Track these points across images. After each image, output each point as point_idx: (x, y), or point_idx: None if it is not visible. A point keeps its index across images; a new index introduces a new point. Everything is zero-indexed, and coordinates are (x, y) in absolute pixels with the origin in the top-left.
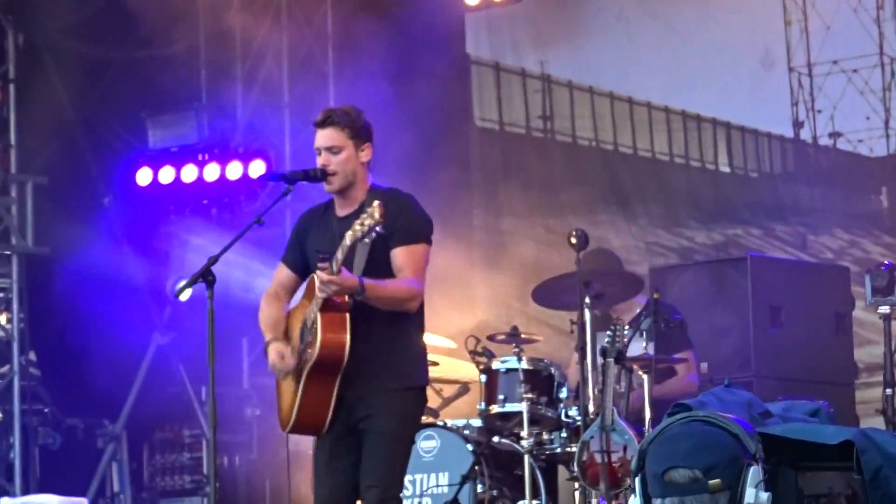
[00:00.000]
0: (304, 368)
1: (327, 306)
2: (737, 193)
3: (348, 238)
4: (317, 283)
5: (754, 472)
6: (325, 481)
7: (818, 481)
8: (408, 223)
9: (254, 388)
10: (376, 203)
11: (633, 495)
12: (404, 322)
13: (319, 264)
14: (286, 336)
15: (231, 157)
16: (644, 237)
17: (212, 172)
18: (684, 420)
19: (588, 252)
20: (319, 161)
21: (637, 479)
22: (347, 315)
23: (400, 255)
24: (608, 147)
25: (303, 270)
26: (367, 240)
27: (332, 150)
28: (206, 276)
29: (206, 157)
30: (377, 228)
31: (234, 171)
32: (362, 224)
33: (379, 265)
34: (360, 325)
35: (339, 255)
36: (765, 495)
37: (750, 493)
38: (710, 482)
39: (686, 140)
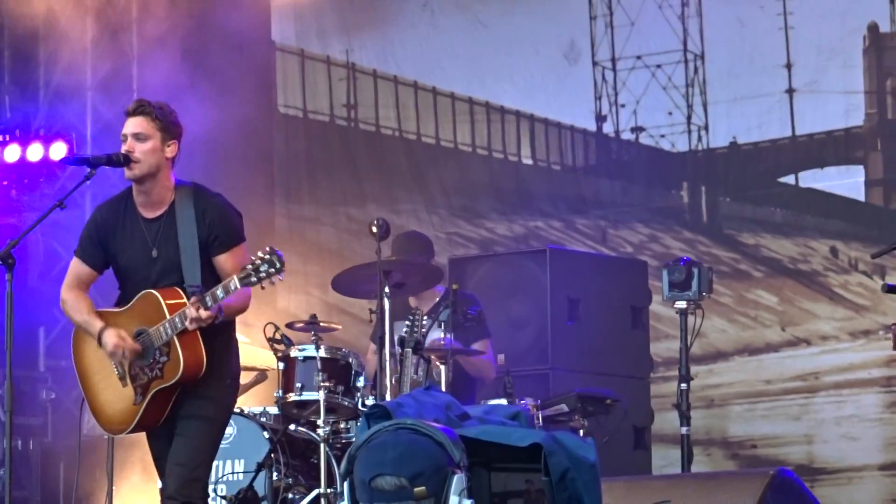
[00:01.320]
0: (151, 385)
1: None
2: (538, 186)
3: (238, 282)
4: (188, 315)
5: (458, 480)
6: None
7: (508, 481)
8: (226, 228)
9: (49, 371)
10: (272, 249)
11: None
12: (229, 323)
13: (176, 301)
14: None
15: (32, 138)
16: (445, 227)
17: (12, 153)
18: (392, 428)
19: (399, 235)
20: (124, 147)
21: (346, 484)
22: (198, 331)
23: (227, 262)
24: (411, 137)
25: (100, 266)
26: (263, 286)
27: (139, 136)
28: (5, 259)
29: (7, 137)
30: (273, 279)
31: (34, 152)
32: (258, 272)
33: (207, 273)
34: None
35: (221, 293)
36: (468, 502)
37: (454, 500)
38: (416, 490)
39: (489, 131)
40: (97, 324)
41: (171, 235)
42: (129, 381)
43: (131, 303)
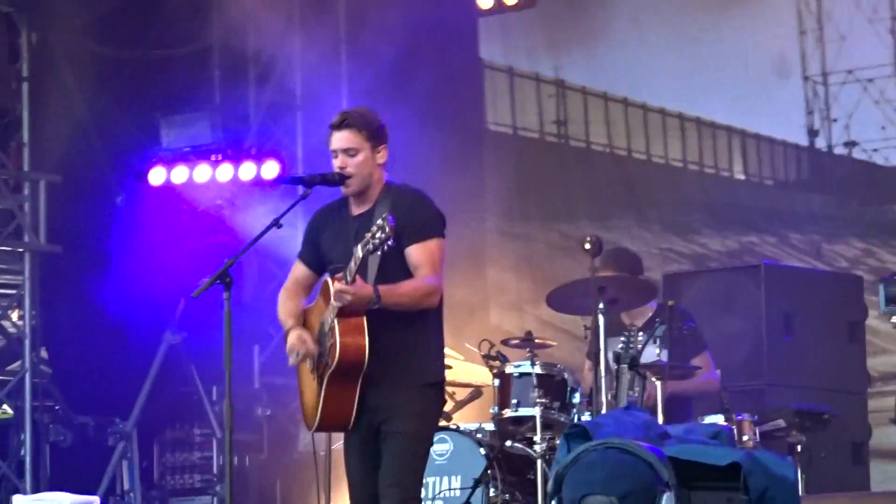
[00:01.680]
0: (324, 373)
1: (343, 312)
2: (751, 201)
3: (360, 250)
4: (331, 292)
5: (668, 499)
6: (357, 482)
7: (709, 500)
8: (419, 220)
9: (264, 388)
10: (386, 216)
11: None
12: (421, 319)
13: (333, 275)
14: (307, 329)
15: (244, 157)
16: (657, 243)
17: (225, 173)
18: (600, 447)
19: (608, 251)
20: (336, 163)
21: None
22: (364, 319)
23: (414, 253)
24: (622, 153)
25: (318, 267)
26: (378, 253)
27: (349, 152)
28: (223, 278)
29: (219, 157)
30: (389, 242)
31: (246, 171)
32: (374, 237)
33: (394, 265)
34: (377, 325)
35: (353, 265)
36: None
37: None
38: None
39: (700, 147)
40: (288, 323)
41: (368, 230)
42: (316, 372)
43: (318, 295)
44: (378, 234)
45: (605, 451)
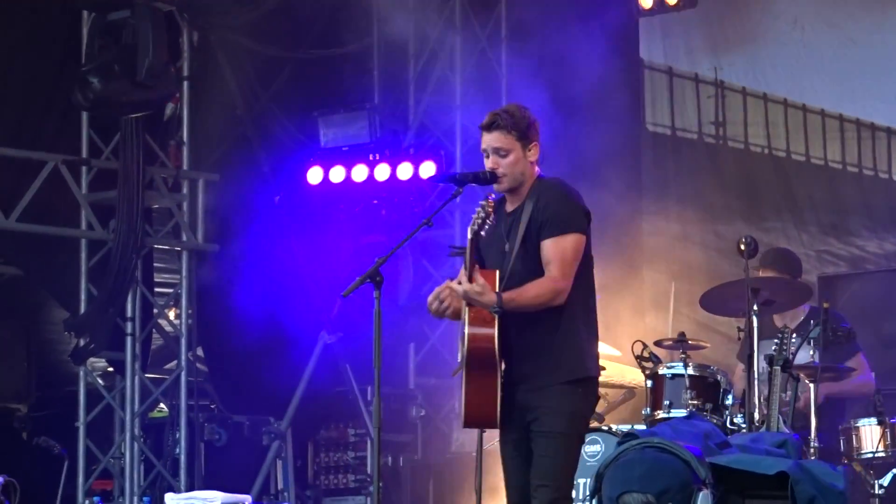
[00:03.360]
0: (463, 362)
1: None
2: None
3: (469, 232)
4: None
5: (704, 497)
6: (513, 482)
7: None
8: (557, 214)
9: (419, 389)
10: (489, 195)
11: None
12: (568, 315)
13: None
14: None
15: (402, 157)
16: (814, 245)
17: (382, 172)
18: (639, 446)
19: (770, 251)
20: (488, 164)
21: (594, 502)
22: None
23: (548, 248)
24: (781, 154)
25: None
26: (482, 233)
27: (500, 152)
28: (374, 277)
29: (377, 157)
30: (489, 221)
31: (404, 171)
32: (477, 217)
33: (532, 257)
34: (522, 322)
35: (468, 251)
36: None
37: None
38: None
39: (860, 148)
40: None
41: (517, 226)
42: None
43: None
44: (480, 213)
45: (643, 450)
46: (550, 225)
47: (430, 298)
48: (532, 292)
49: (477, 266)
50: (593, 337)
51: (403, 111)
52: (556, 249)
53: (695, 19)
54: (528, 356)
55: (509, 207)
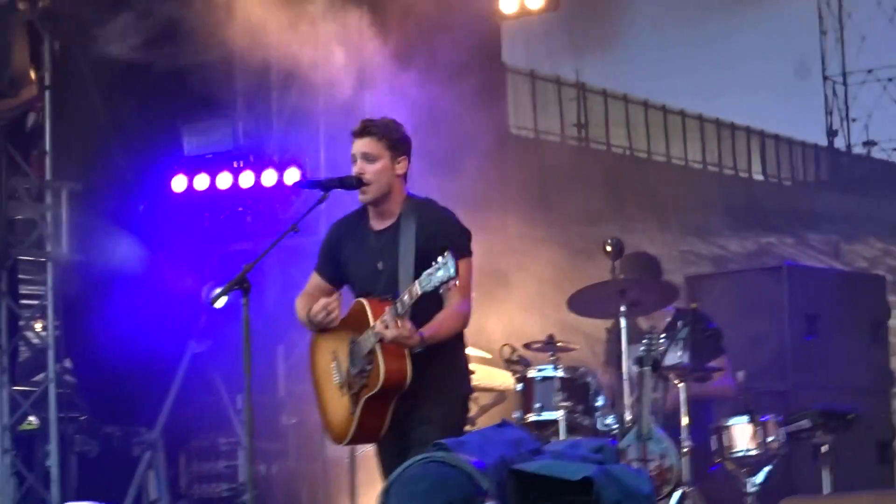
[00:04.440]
0: (360, 394)
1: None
2: (770, 202)
3: (418, 287)
4: (369, 316)
5: None
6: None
7: None
8: (449, 239)
9: (290, 396)
10: (449, 254)
11: None
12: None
13: (382, 309)
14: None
15: (266, 164)
16: (677, 245)
17: (247, 179)
18: (422, 461)
19: (628, 256)
20: (355, 169)
21: None
22: None
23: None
24: (642, 155)
25: (337, 281)
26: (440, 291)
27: (368, 157)
28: (241, 284)
29: (241, 164)
30: (449, 284)
31: (269, 178)
32: (434, 275)
33: (411, 279)
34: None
35: (408, 300)
36: None
37: None
38: None
39: (720, 148)
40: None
41: (395, 247)
42: (346, 389)
43: (347, 313)
44: (440, 274)
45: (426, 464)
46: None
47: (316, 309)
48: (447, 325)
49: (373, 301)
50: (466, 356)
51: (267, 118)
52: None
53: (556, 23)
54: (415, 374)
55: (377, 225)
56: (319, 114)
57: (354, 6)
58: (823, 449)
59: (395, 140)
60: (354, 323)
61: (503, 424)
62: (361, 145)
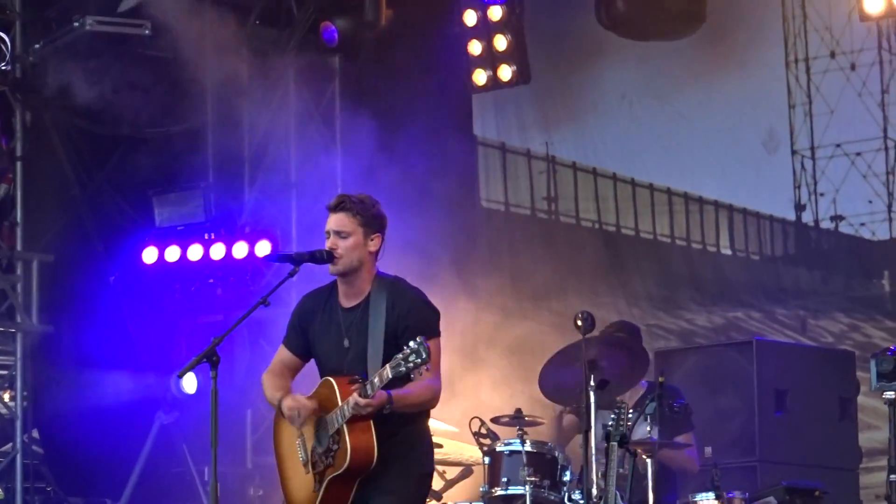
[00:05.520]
0: (326, 473)
1: (353, 417)
2: (737, 276)
3: (389, 371)
4: (349, 403)
5: None
6: None
7: None
8: (422, 321)
9: (257, 468)
10: (422, 341)
11: None
12: (417, 413)
13: (351, 388)
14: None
15: (237, 236)
16: (645, 319)
17: (218, 251)
18: None
19: (614, 322)
20: (328, 244)
21: None
22: (371, 422)
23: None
24: (611, 228)
25: (305, 354)
26: (412, 376)
27: (341, 234)
28: (209, 357)
29: (213, 236)
30: (421, 370)
31: (240, 250)
32: (407, 360)
33: (380, 358)
34: (378, 419)
35: (378, 383)
36: None
37: None
38: None
39: (688, 222)
40: (278, 394)
41: (364, 326)
42: (310, 467)
43: (315, 390)
44: (412, 358)
45: None
46: (413, 332)
47: (290, 405)
48: (416, 394)
49: (341, 381)
50: (429, 432)
51: (239, 190)
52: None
53: (526, 95)
54: (380, 453)
55: (346, 303)
56: (291, 186)
57: (328, 78)
58: None
59: (370, 217)
60: (321, 401)
61: None
62: (336, 221)
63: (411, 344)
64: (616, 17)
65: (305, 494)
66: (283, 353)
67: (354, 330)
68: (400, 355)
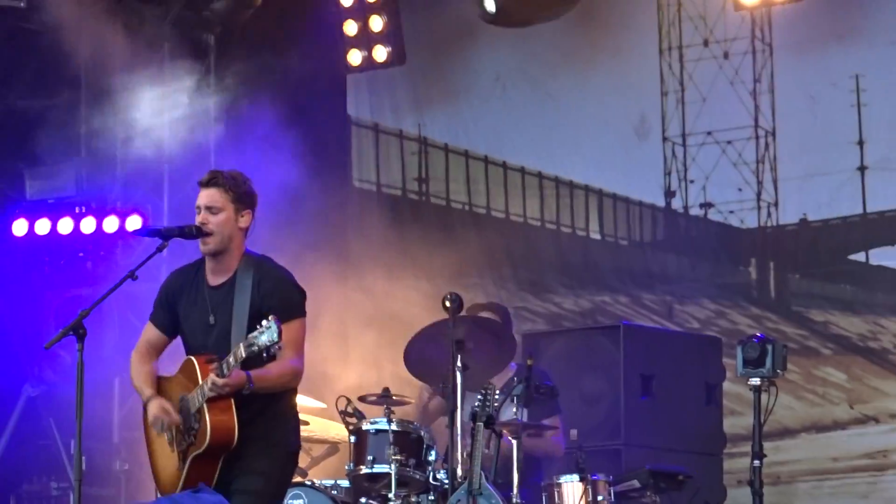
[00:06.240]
0: (188, 451)
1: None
2: (606, 260)
3: (243, 350)
4: (199, 375)
5: None
6: None
7: None
8: (286, 300)
9: (123, 442)
10: (273, 319)
11: None
12: (281, 393)
13: (210, 367)
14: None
15: (108, 210)
16: (512, 302)
17: (88, 225)
18: None
19: (479, 304)
20: (198, 219)
21: None
22: (232, 401)
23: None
24: (481, 211)
25: (171, 331)
26: (264, 355)
27: (212, 209)
28: (76, 330)
29: (83, 209)
30: (273, 349)
31: (110, 224)
32: (258, 339)
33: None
34: (242, 399)
35: (233, 361)
36: None
37: None
38: None
39: (558, 206)
40: (147, 392)
41: (229, 304)
42: (175, 445)
43: (178, 369)
44: (264, 337)
45: None
46: (278, 312)
47: (156, 412)
48: (276, 373)
49: (202, 359)
50: (296, 410)
51: (111, 164)
52: (289, 335)
53: (400, 76)
54: (242, 425)
55: (213, 280)
56: (164, 161)
57: (203, 55)
58: None
59: (241, 193)
60: (184, 380)
61: (199, 490)
62: (207, 196)
63: (264, 323)
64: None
65: (171, 472)
66: (149, 331)
67: (220, 308)
68: (253, 334)
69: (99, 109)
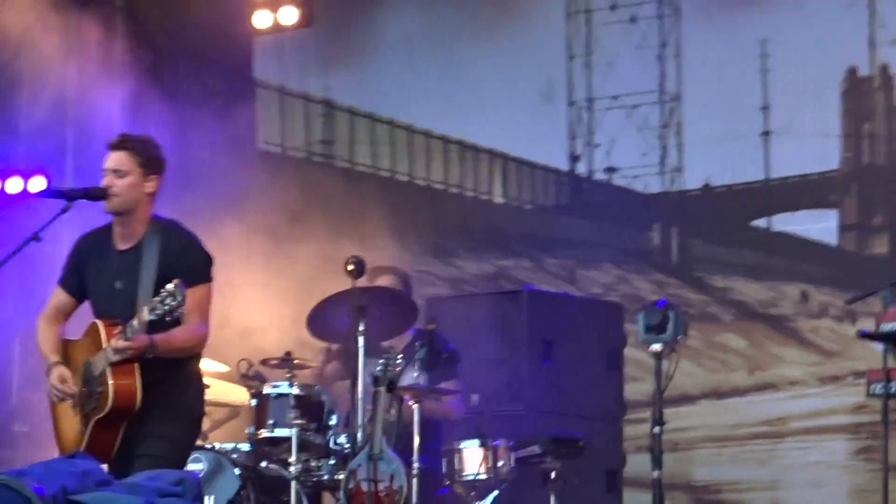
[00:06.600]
0: (91, 415)
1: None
2: (509, 224)
3: (147, 313)
4: (103, 340)
5: None
6: None
7: None
8: (193, 265)
9: (23, 404)
10: (178, 283)
11: None
12: (186, 358)
13: (114, 331)
14: (66, 363)
15: (11, 171)
16: (416, 265)
17: None
18: None
19: (378, 267)
20: (104, 182)
21: None
22: (136, 365)
23: (186, 299)
24: (385, 174)
25: (80, 295)
26: (168, 319)
27: (118, 173)
28: None
29: None
30: (176, 312)
31: (13, 185)
32: (163, 303)
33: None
34: (146, 364)
35: (136, 325)
36: None
37: None
38: None
39: (462, 170)
40: (51, 359)
41: (136, 268)
42: (78, 409)
43: (83, 333)
44: (168, 301)
45: None
46: (188, 276)
47: (55, 381)
48: (181, 338)
49: (107, 323)
50: (200, 375)
51: (14, 125)
52: (195, 300)
53: (307, 38)
54: (146, 391)
55: (121, 245)
56: (68, 123)
57: (109, 18)
58: (552, 475)
59: (149, 158)
60: (89, 344)
61: (74, 455)
62: (114, 159)
63: (168, 286)
64: None
65: (73, 434)
66: (58, 295)
67: (126, 273)
68: (157, 298)
69: (2, 69)
